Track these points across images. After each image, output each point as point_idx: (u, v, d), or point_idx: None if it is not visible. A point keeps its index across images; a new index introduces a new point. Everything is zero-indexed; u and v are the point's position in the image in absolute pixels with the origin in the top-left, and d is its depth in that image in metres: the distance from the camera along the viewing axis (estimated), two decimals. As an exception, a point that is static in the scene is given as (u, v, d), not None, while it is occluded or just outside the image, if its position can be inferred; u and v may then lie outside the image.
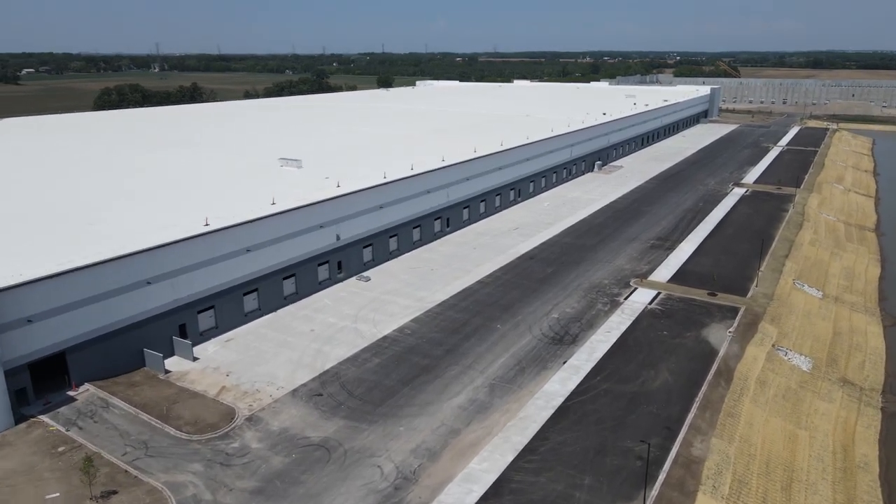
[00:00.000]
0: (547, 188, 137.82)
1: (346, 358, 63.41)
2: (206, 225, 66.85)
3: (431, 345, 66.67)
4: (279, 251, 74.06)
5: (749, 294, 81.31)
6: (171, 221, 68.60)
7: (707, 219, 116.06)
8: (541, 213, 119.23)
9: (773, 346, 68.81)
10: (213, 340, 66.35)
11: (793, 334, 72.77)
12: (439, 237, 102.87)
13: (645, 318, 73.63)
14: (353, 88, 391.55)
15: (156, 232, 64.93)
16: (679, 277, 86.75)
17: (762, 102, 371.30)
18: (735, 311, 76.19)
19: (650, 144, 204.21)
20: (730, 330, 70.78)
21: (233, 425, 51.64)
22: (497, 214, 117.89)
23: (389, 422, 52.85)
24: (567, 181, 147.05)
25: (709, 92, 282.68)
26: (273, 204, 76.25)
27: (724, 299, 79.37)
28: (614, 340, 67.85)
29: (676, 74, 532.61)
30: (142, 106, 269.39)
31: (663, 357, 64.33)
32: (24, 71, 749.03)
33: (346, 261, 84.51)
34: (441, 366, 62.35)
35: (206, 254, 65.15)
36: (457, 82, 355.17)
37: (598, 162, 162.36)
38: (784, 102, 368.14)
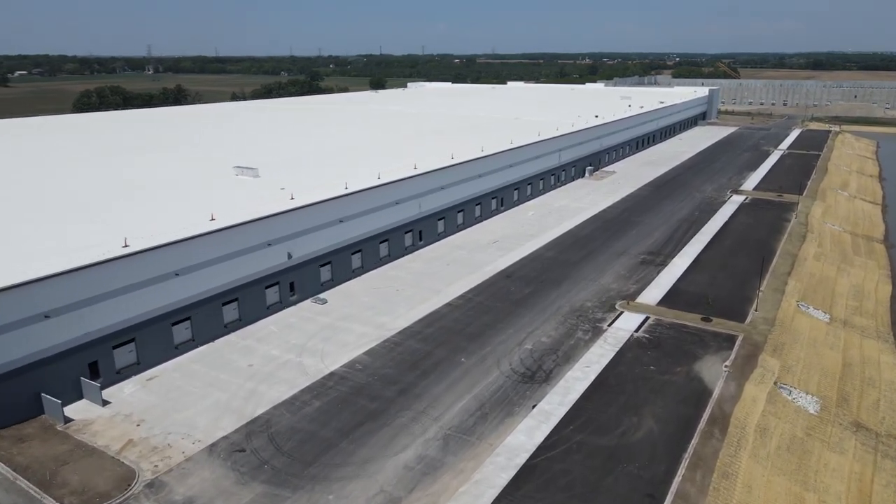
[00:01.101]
0: (533, 196, 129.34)
1: (282, 401, 54.89)
2: (126, 246, 58.32)
3: (383, 383, 58.15)
4: (218, 273, 65.57)
5: (748, 319, 72.80)
6: (89, 241, 59.94)
7: (703, 230, 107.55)
8: (524, 224, 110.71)
9: (775, 383, 60.27)
10: (132, 379, 57.82)
11: (797, 368, 64.22)
12: (410, 252, 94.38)
13: (630, 349, 65.09)
14: (345, 90, 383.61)
15: (67, 254, 56.36)
16: (670, 298, 78.25)
17: (762, 104, 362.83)
18: (732, 339, 67.70)
19: (645, 148, 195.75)
20: (726, 364, 62.27)
21: (127, 494, 43.07)
22: (477, 226, 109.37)
23: (318, 487, 44.30)
24: (555, 188, 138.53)
25: (707, 93, 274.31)
26: (212, 220, 67.75)
27: (719, 325, 70.86)
28: (593, 378, 59.32)
29: (675, 76, 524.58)
30: (122, 108, 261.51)
31: (649, 399, 55.80)
32: (17, 73, 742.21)
33: (299, 281, 76.02)
34: (391, 411, 53.84)
35: (123, 280, 56.64)
36: (449, 84, 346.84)
37: (590, 167, 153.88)
38: (784, 104, 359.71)
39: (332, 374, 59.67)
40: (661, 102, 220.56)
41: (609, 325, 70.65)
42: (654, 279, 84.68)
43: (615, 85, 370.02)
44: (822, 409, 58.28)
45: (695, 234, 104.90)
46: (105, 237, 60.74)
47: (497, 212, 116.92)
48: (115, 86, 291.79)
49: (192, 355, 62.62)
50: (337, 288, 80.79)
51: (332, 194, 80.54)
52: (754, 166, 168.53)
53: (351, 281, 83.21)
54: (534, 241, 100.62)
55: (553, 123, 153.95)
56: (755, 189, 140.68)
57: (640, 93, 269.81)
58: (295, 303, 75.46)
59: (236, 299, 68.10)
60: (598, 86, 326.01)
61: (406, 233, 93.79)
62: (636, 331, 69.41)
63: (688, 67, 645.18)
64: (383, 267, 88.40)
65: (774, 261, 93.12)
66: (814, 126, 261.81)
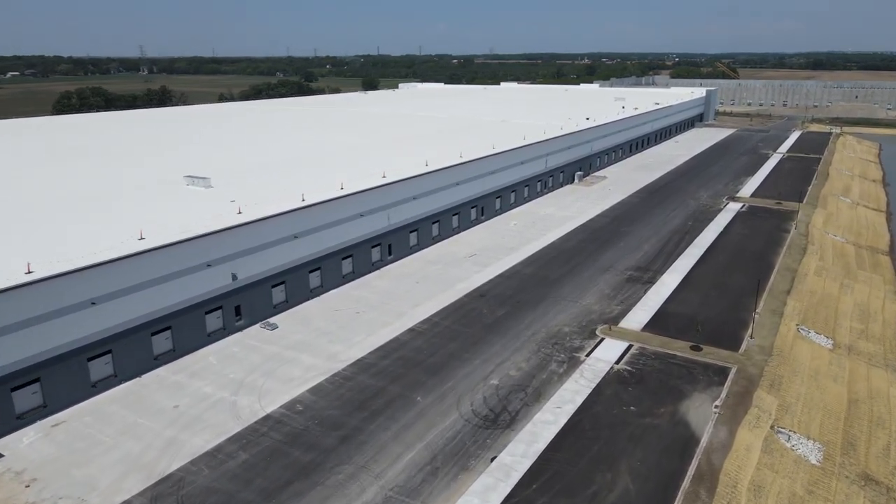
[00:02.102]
0: (517, 204, 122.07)
1: (204, 452, 47.63)
2: (29, 272, 51.08)
3: (324, 429, 50.90)
4: (145, 300, 58.31)
5: (742, 347, 65.51)
6: (-8, 266, 52.73)
7: (696, 242, 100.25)
8: (505, 235, 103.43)
9: (771, 427, 53.03)
10: (35, 426, 50.56)
11: (797, 407, 56.95)
12: (378, 267, 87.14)
13: (609, 385, 57.83)
14: (337, 91, 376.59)
15: (-40, 283, 49.17)
16: (658, 322, 70.97)
17: (761, 104, 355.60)
18: (724, 372, 60.44)
19: (639, 151, 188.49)
20: (716, 404, 55.00)
21: (-11, 583, 35.88)
22: (454, 237, 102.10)
23: (223, 571, 37.10)
24: (542, 195, 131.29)
25: (704, 94, 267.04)
26: (141, 239, 60.50)
27: (710, 355, 63.59)
28: (564, 422, 52.04)
29: (674, 76, 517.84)
30: (104, 110, 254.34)
31: (626, 449, 48.54)
32: (10, 74, 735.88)
33: (247, 305, 68.75)
34: (327, 465, 46.58)
35: (23, 311, 49.41)
36: (441, 85, 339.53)
37: (580, 172, 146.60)
38: (784, 104, 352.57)
39: (267, 417, 52.41)
40: (657, 104, 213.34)
41: (587, 355, 63.37)
42: (640, 299, 77.41)
43: (611, 85, 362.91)
44: (826, 459, 51.02)
45: (687, 247, 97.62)
46: (5, 261, 53.43)
47: (477, 222, 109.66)
48: (97, 87, 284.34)
49: (112, 394, 55.33)
50: (292, 310, 73.54)
51: (285, 207, 73.30)
52: (752, 171, 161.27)
53: (309, 302, 75.96)
54: (513, 255, 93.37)
55: (542, 126, 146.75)
56: (753, 196, 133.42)
57: (635, 94, 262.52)
58: (241, 328, 68.21)
59: (169, 328, 60.82)
60: (593, 87, 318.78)
61: (373, 247, 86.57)
62: (617, 362, 62.13)
63: (686, 67, 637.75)
64: (346, 286, 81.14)
65: (772, 277, 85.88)
66: (814, 128, 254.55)
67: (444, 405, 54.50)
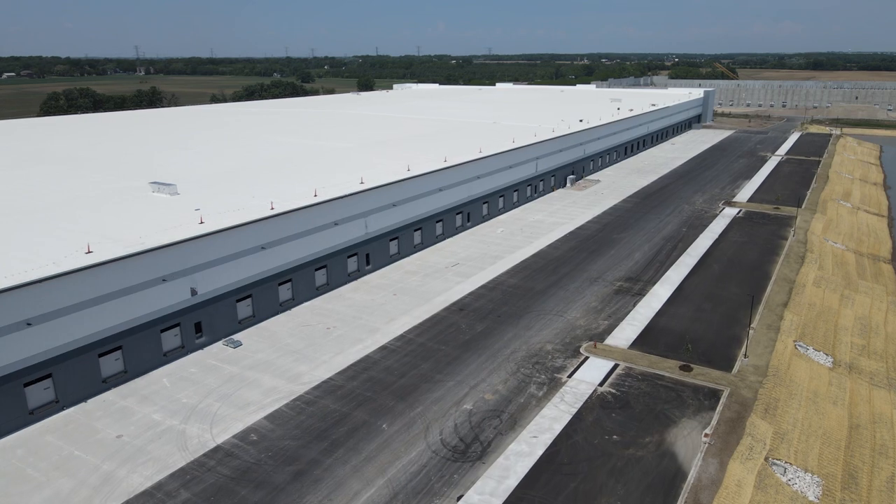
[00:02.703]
0: (506, 209, 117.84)
1: (141, 491, 43.39)
2: (-44, 292, 46.89)
3: (277, 463, 46.66)
4: (92, 318, 54.12)
5: (735, 367, 61.27)
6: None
7: (690, 250, 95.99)
8: (491, 243, 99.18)
9: (766, 458, 48.79)
10: (-39, 459, 46.38)
11: (794, 434, 52.71)
12: (355, 278, 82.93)
13: (591, 411, 53.60)
14: (331, 92, 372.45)
15: None
16: (646, 339, 66.74)
17: (760, 105, 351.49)
18: (716, 396, 56.22)
19: (634, 154, 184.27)
20: (706, 432, 50.76)
21: None
22: (437, 245, 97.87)
23: None
24: (532, 200, 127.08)
25: (702, 95, 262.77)
26: (88, 253, 56.29)
27: (701, 376, 59.34)
28: (541, 453, 47.81)
29: (672, 76, 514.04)
30: (92, 111, 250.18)
31: (606, 486, 44.31)
32: (6, 75, 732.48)
33: (208, 321, 64.52)
34: (276, 505, 42.37)
35: (-53, 336, 45.25)
36: (436, 86, 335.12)
37: (572, 176, 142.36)
38: (783, 105, 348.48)
39: (217, 448, 48.17)
40: (653, 105, 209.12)
41: (569, 376, 59.13)
42: (629, 313, 73.15)
43: (609, 86, 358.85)
44: (825, 495, 46.77)
45: (680, 255, 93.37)
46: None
47: (463, 228, 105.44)
48: (85, 88, 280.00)
49: (52, 422, 51.12)
50: (258, 326, 69.32)
51: (252, 216, 69.09)
52: (749, 174, 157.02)
53: (277, 316, 71.75)
54: (498, 265, 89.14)
55: (533, 128, 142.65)
56: (750, 200, 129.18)
57: (631, 95, 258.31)
58: (203, 346, 64.00)
59: (119, 348, 56.60)
60: (589, 87, 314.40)
61: (350, 257, 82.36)
62: (601, 384, 57.90)
63: (685, 68, 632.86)
64: (319, 298, 76.91)
65: (769, 288, 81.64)
66: (813, 129, 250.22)
67: (411, 434, 50.28)
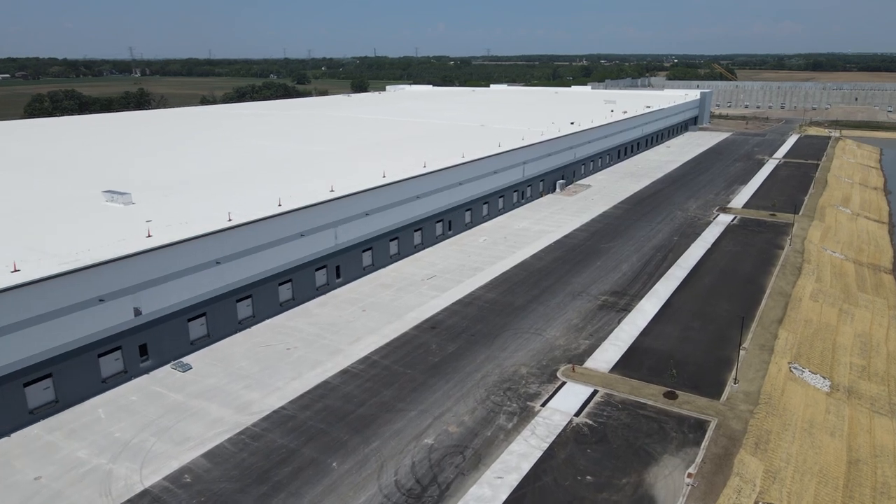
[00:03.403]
0: (490, 216, 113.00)
1: (50, 545, 38.57)
2: None
3: (209, 510, 41.82)
4: (16, 343, 49.26)
5: (724, 394, 56.39)
6: None
7: (680, 261, 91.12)
8: (472, 253, 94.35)
9: (755, 502, 43.90)
10: None
11: (787, 472, 47.82)
12: (324, 292, 78.10)
13: (564, 446, 48.72)
14: (324, 93, 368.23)
15: None
16: (629, 361, 61.88)
17: (759, 107, 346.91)
18: (702, 427, 51.36)
19: (628, 157, 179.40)
20: (689, 472, 45.87)
21: None
22: (415, 255, 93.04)
23: None
24: (519, 206, 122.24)
25: (699, 96, 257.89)
26: (14, 271, 51.43)
27: (686, 404, 54.48)
28: (505, 498, 42.93)
29: (670, 77, 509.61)
30: (77, 113, 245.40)
31: (574, 539, 39.46)
32: (0, 76, 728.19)
33: (155, 343, 59.65)
34: (199, 564, 37.49)
35: None
36: (429, 87, 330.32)
37: (561, 181, 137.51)
38: (782, 107, 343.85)
39: (144, 493, 43.28)
40: (648, 107, 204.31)
41: (543, 405, 54.27)
42: (612, 331, 68.30)
43: (605, 87, 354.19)
44: (821, 546, 41.90)
45: (670, 267, 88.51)
46: None
47: (444, 237, 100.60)
48: (70, 89, 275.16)
49: (-35, 461, 46.26)
50: (213, 346, 64.43)
51: (205, 229, 64.25)
52: (746, 178, 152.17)
53: (235, 336, 66.88)
54: (477, 277, 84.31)
55: (522, 131, 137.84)
56: (745, 206, 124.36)
57: (626, 96, 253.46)
58: (148, 370, 59.13)
59: (48, 375, 51.74)
60: (585, 89, 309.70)
61: (318, 270, 77.52)
62: (577, 413, 53.04)
63: (683, 69, 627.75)
64: (282, 315, 72.05)
65: (763, 303, 76.80)
66: (812, 131, 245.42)
67: (362, 474, 45.40)
